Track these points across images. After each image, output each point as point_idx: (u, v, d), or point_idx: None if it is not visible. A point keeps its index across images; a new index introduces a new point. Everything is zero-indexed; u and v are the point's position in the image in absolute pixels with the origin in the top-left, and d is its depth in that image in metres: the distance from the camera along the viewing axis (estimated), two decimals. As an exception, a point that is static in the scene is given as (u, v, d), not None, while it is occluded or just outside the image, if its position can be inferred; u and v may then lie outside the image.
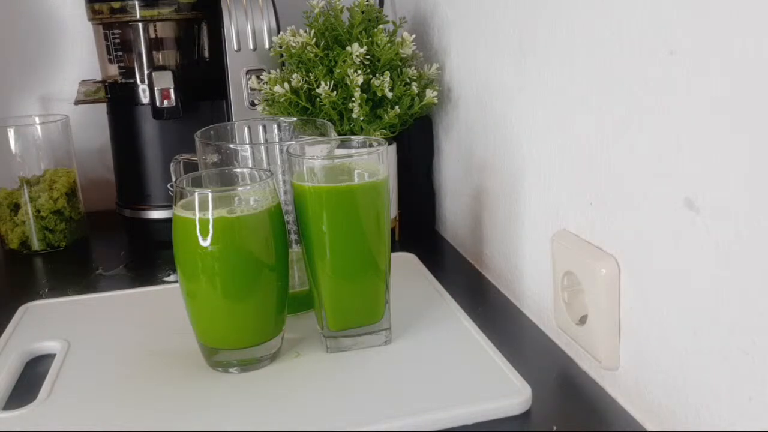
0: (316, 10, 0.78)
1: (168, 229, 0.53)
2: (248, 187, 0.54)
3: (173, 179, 0.64)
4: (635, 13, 0.44)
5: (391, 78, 0.75)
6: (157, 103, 0.81)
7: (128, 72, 0.86)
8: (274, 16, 0.83)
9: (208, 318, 0.53)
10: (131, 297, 0.69)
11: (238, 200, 0.52)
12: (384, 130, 0.76)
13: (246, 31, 0.82)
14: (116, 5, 0.83)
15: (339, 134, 0.74)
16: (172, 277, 0.75)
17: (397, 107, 0.75)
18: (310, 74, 0.75)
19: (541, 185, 0.60)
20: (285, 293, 0.55)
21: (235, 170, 0.56)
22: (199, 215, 0.50)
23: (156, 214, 0.87)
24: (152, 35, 0.85)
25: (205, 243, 0.50)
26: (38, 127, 0.85)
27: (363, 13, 0.77)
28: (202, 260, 0.51)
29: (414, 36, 0.77)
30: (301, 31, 0.76)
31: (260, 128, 0.69)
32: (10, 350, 0.58)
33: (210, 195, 0.50)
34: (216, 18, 0.83)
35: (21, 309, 0.66)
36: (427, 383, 0.51)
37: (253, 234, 0.52)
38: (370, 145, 0.56)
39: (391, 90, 0.75)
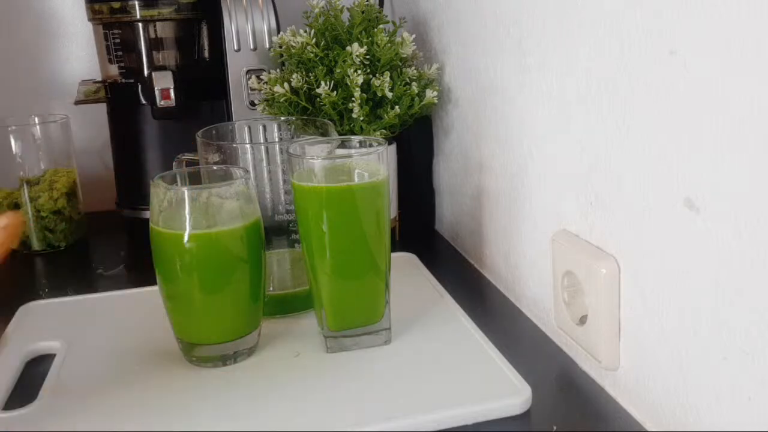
0: (316, 10, 0.78)
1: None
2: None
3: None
4: (635, 13, 0.44)
5: (391, 78, 0.75)
6: (157, 103, 0.81)
7: (128, 72, 0.86)
8: (274, 16, 0.83)
9: (187, 314, 0.54)
10: (131, 297, 0.68)
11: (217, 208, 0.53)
12: (384, 130, 0.76)
13: (246, 31, 0.82)
14: (116, 5, 0.83)
15: (339, 134, 0.74)
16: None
17: (397, 107, 0.75)
18: (310, 74, 0.75)
19: (541, 185, 0.60)
20: (259, 288, 0.55)
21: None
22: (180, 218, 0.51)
23: (156, 214, 0.87)
24: (152, 35, 0.85)
25: (182, 240, 0.51)
26: (38, 127, 0.85)
27: (363, 13, 0.77)
28: (179, 257, 0.52)
29: (414, 36, 0.77)
30: (301, 31, 0.76)
31: (260, 128, 0.69)
32: (10, 350, 0.58)
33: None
34: (216, 18, 0.83)
35: (21, 309, 0.66)
36: (427, 383, 0.51)
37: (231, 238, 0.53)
38: (370, 145, 0.56)
39: (391, 90, 0.75)
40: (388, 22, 0.79)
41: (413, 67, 0.79)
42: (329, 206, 0.53)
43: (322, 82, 0.73)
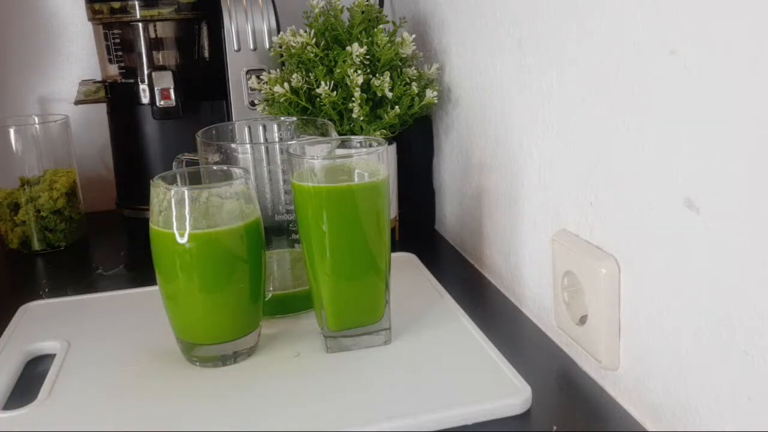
0: (316, 10, 0.78)
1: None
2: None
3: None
4: (635, 13, 0.44)
5: (391, 78, 0.75)
6: (157, 103, 0.81)
7: (128, 72, 0.86)
8: (274, 16, 0.83)
9: (187, 313, 0.54)
10: (131, 297, 0.69)
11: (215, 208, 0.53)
12: (384, 130, 0.76)
13: (246, 31, 0.82)
14: (116, 5, 0.83)
15: (339, 134, 0.74)
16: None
17: (397, 107, 0.75)
18: (310, 74, 0.75)
19: (541, 185, 0.60)
20: (259, 288, 0.55)
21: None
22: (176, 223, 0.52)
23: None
24: (152, 35, 0.85)
25: (182, 240, 0.51)
26: (38, 127, 0.85)
27: (363, 13, 0.77)
28: (179, 257, 0.52)
29: (414, 36, 0.77)
30: (301, 31, 0.76)
31: (260, 128, 0.69)
32: (10, 350, 0.58)
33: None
34: (216, 18, 0.83)
35: (21, 309, 0.66)
36: (427, 383, 0.51)
37: (230, 237, 0.53)
38: (370, 145, 0.56)
39: (391, 90, 0.75)
40: (388, 22, 0.79)
41: (413, 67, 0.79)
42: (329, 206, 0.53)
43: (322, 82, 0.73)
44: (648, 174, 0.45)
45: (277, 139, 0.69)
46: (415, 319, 0.61)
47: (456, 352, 0.55)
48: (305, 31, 0.76)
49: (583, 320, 0.53)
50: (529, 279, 0.64)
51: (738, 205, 0.37)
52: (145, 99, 0.86)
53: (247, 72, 0.83)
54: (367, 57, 0.75)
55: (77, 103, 0.89)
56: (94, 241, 0.90)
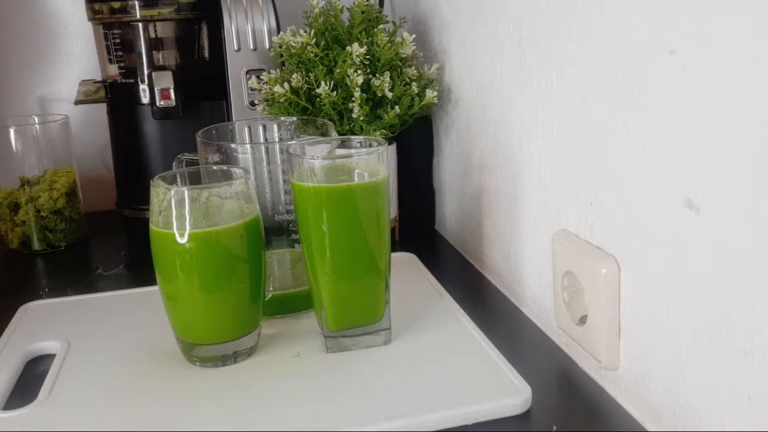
0: (316, 10, 0.78)
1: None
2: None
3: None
4: (635, 13, 0.44)
5: (391, 78, 0.75)
6: (157, 103, 0.81)
7: (128, 72, 0.86)
8: (274, 16, 0.83)
9: (187, 313, 0.54)
10: (131, 297, 0.69)
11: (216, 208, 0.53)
12: (384, 130, 0.76)
13: (246, 31, 0.82)
14: (116, 5, 0.83)
15: (339, 134, 0.74)
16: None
17: (397, 107, 0.75)
18: (310, 74, 0.75)
19: (541, 185, 0.60)
20: (259, 288, 0.56)
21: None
22: (176, 220, 0.51)
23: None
24: (152, 35, 0.85)
25: (182, 240, 0.51)
26: (38, 127, 0.85)
27: (363, 13, 0.77)
28: (179, 257, 0.52)
29: (414, 36, 0.77)
30: (301, 31, 0.76)
31: (260, 128, 0.69)
32: (10, 350, 0.58)
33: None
34: (216, 18, 0.83)
35: (21, 309, 0.66)
36: (427, 383, 0.51)
37: (229, 237, 0.53)
38: (370, 145, 0.56)
39: (391, 90, 0.75)
40: (388, 22, 0.79)
41: (413, 67, 0.79)
42: (329, 206, 0.53)
43: (322, 82, 0.73)
44: (648, 174, 0.45)
45: (277, 139, 0.69)
46: (415, 319, 0.61)
47: (456, 352, 0.55)
48: (305, 31, 0.76)
49: (583, 320, 0.53)
50: (529, 279, 0.64)
51: (738, 205, 0.37)
52: (145, 99, 0.86)
53: (247, 72, 0.83)
54: (367, 57, 0.75)
55: (77, 103, 0.89)
56: (94, 241, 0.90)
